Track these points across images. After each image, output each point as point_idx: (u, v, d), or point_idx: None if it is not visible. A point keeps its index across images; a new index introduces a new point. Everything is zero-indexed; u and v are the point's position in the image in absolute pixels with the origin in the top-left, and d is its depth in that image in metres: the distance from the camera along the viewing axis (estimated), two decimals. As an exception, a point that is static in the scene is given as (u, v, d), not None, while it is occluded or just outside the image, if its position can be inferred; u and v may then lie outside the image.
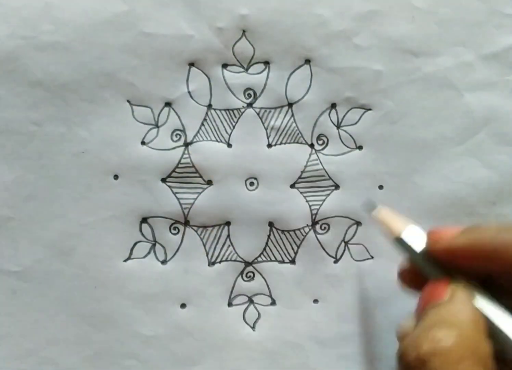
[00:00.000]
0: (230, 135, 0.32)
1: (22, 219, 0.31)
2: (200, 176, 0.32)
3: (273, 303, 0.32)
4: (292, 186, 0.32)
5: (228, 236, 0.32)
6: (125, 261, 0.32)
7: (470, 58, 0.32)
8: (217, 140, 0.32)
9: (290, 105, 0.32)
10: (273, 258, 0.32)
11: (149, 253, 0.32)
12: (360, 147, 0.32)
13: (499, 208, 0.33)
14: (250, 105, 0.32)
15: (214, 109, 0.32)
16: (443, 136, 0.32)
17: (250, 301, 0.32)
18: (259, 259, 0.32)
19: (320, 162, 0.32)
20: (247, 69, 0.32)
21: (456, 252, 0.25)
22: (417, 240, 0.26)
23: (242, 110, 0.32)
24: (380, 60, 0.32)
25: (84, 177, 0.31)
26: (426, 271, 0.26)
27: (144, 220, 0.32)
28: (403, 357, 0.22)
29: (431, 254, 0.25)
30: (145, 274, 0.32)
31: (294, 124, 0.32)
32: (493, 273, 0.24)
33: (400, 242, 0.26)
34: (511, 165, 0.32)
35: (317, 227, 0.32)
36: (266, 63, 0.32)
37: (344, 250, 0.32)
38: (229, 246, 0.32)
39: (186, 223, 0.32)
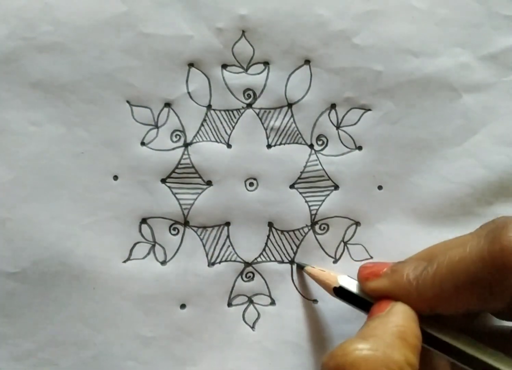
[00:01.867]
0: (229, 136, 0.32)
1: (20, 220, 0.31)
2: (200, 177, 0.32)
3: (273, 303, 0.32)
4: (292, 186, 0.32)
5: (228, 236, 0.32)
6: (124, 261, 0.31)
7: (469, 59, 0.32)
8: (216, 141, 0.32)
9: (289, 105, 0.32)
10: (272, 258, 0.32)
11: (148, 253, 0.32)
12: (359, 148, 0.32)
13: (497, 208, 0.33)
14: (249, 105, 0.32)
15: (214, 109, 0.32)
16: (441, 136, 0.32)
17: (250, 301, 0.32)
18: (259, 259, 0.32)
19: (320, 162, 0.32)
20: (246, 70, 0.32)
21: (384, 293, 0.26)
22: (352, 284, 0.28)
23: (242, 110, 0.32)
24: (379, 61, 0.32)
25: (83, 178, 0.31)
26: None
27: (144, 220, 0.32)
28: (323, 366, 0.22)
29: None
30: (144, 275, 0.31)
31: (293, 125, 0.32)
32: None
33: (339, 290, 0.29)
34: (509, 165, 0.33)
35: (317, 227, 0.32)
36: (266, 63, 0.32)
37: (343, 250, 0.32)
38: (228, 246, 0.32)
39: (186, 224, 0.32)
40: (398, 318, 0.24)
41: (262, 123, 0.32)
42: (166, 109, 0.32)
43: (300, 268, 0.32)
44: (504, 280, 0.23)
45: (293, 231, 0.32)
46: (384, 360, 0.21)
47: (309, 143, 0.32)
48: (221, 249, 0.32)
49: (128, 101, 0.31)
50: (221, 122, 0.32)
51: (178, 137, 0.32)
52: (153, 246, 0.32)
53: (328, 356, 0.22)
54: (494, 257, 0.23)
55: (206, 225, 0.32)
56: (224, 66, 0.32)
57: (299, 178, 0.32)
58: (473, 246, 0.24)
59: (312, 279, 0.31)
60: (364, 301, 0.28)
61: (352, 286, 0.28)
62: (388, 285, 0.26)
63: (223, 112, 0.32)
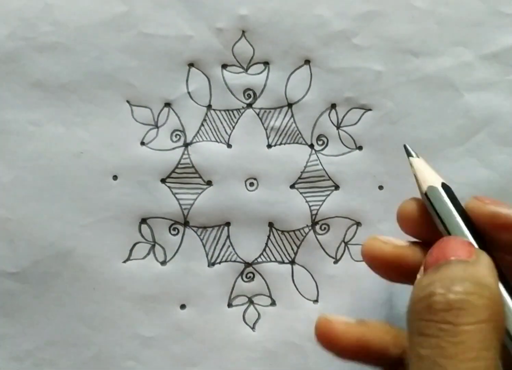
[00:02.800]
0: (229, 136, 0.32)
1: (20, 220, 0.31)
2: (200, 177, 0.32)
3: (273, 303, 0.32)
4: (292, 186, 0.32)
5: (228, 236, 0.32)
6: (124, 262, 0.32)
7: (470, 58, 0.32)
8: (216, 141, 0.32)
9: (290, 105, 0.32)
10: (273, 259, 0.32)
11: (148, 253, 0.32)
12: (360, 148, 0.32)
13: (499, 208, 0.33)
14: (249, 105, 0.32)
15: (214, 109, 0.32)
16: (443, 136, 0.32)
17: (250, 301, 0.32)
18: (259, 259, 0.32)
19: (320, 162, 0.32)
20: (246, 70, 0.32)
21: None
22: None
23: (242, 110, 0.32)
24: (380, 61, 0.32)
25: (83, 178, 0.31)
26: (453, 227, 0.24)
27: (144, 220, 0.32)
28: (431, 297, 0.21)
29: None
30: (144, 275, 0.31)
31: (294, 125, 0.32)
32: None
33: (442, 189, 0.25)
34: (511, 165, 0.32)
35: (317, 227, 0.32)
36: (266, 63, 0.32)
37: (344, 250, 0.32)
38: (229, 246, 0.32)
39: (186, 224, 0.32)
40: (493, 274, 0.22)
41: (262, 123, 0.32)
42: (166, 109, 0.32)
43: (408, 155, 0.27)
44: None
45: (294, 231, 0.32)
46: (498, 316, 0.21)
47: (309, 143, 0.32)
48: (221, 249, 0.32)
49: (128, 101, 0.31)
50: (221, 122, 0.32)
51: (178, 137, 0.32)
52: (153, 246, 0.32)
53: (445, 289, 0.20)
54: None
55: (206, 225, 0.32)
56: (224, 66, 0.32)
57: (299, 178, 0.32)
58: None
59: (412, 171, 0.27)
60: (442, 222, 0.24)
61: (441, 201, 0.25)
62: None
63: (223, 112, 0.32)
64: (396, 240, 0.26)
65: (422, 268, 0.23)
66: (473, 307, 0.20)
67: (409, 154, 0.27)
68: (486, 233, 0.24)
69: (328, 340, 0.25)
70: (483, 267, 0.22)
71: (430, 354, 0.20)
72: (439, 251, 0.23)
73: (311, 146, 0.32)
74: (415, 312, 0.21)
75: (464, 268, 0.22)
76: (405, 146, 0.27)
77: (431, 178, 0.26)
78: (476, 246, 0.23)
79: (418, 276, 0.23)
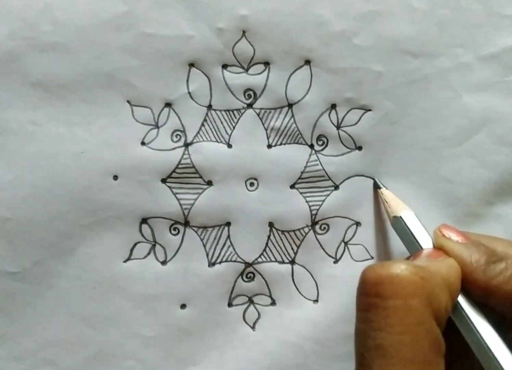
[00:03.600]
0: (230, 136, 0.32)
1: (20, 220, 0.31)
2: (200, 177, 0.32)
3: (273, 303, 0.32)
4: (292, 186, 0.32)
5: (228, 236, 0.32)
6: (125, 261, 0.32)
7: (469, 59, 0.32)
8: (217, 141, 0.32)
9: (290, 105, 0.32)
10: (273, 259, 0.32)
11: (149, 253, 0.32)
12: (359, 148, 0.32)
13: (498, 208, 0.33)
14: (250, 105, 0.32)
15: (214, 109, 0.32)
16: (442, 137, 0.32)
17: (250, 301, 0.32)
18: (259, 259, 0.32)
19: (320, 163, 0.32)
20: (247, 70, 0.32)
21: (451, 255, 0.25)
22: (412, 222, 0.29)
23: (242, 110, 0.32)
24: (380, 61, 0.32)
25: (83, 178, 0.31)
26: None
27: (144, 220, 0.32)
28: (364, 273, 0.22)
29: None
30: (145, 275, 0.31)
31: (294, 125, 0.32)
32: None
33: (397, 221, 0.29)
34: (509, 165, 0.33)
35: (317, 227, 0.32)
36: (266, 63, 0.32)
37: (344, 250, 0.32)
38: (229, 246, 0.32)
39: (186, 224, 0.32)
40: (452, 271, 0.23)
41: (263, 123, 0.32)
42: (166, 109, 0.32)
43: (377, 187, 0.32)
44: None
45: (294, 231, 0.32)
46: (431, 293, 0.21)
47: (309, 143, 0.32)
48: (221, 249, 0.32)
49: (128, 101, 0.31)
50: (222, 122, 0.32)
51: (178, 137, 0.32)
52: (154, 246, 0.32)
53: (379, 264, 0.22)
54: None
55: (206, 225, 0.32)
56: (225, 66, 0.32)
57: (299, 178, 0.32)
58: None
59: (381, 201, 0.31)
60: (412, 243, 0.28)
61: (412, 224, 0.29)
62: (459, 253, 0.25)
63: (223, 112, 0.32)
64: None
65: None
66: (402, 282, 0.21)
67: (378, 187, 0.32)
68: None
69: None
70: (442, 262, 0.24)
71: (363, 327, 0.21)
72: (415, 256, 0.25)
73: (311, 146, 0.32)
74: (357, 290, 0.22)
75: (424, 260, 0.24)
76: (374, 180, 0.32)
77: (397, 208, 0.29)
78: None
79: None
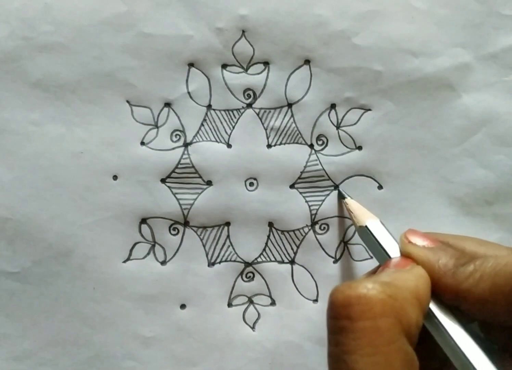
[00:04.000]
0: (229, 136, 0.32)
1: (20, 220, 0.31)
2: (200, 177, 0.32)
3: (273, 303, 0.32)
4: (292, 186, 0.32)
5: (228, 236, 0.32)
6: (124, 261, 0.32)
7: (469, 59, 0.32)
8: (216, 141, 0.32)
9: (289, 105, 0.32)
10: (272, 258, 0.32)
11: (148, 253, 0.32)
12: (359, 148, 0.32)
13: (497, 208, 0.33)
14: (249, 105, 0.32)
15: (214, 109, 0.32)
16: (441, 136, 0.32)
17: (250, 301, 0.32)
18: (259, 259, 0.32)
19: (320, 162, 0.32)
20: (246, 70, 0.32)
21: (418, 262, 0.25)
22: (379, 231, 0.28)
23: (242, 110, 0.32)
24: (379, 61, 0.32)
25: (83, 178, 0.31)
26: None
27: (144, 220, 0.32)
28: (332, 295, 0.22)
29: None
30: (144, 275, 0.31)
31: (293, 125, 0.32)
32: None
33: (364, 230, 0.28)
34: (508, 165, 0.32)
35: (317, 227, 0.32)
36: (266, 63, 0.32)
37: (343, 250, 0.32)
38: (228, 246, 0.32)
39: (186, 224, 0.32)
40: (419, 280, 0.23)
41: (262, 123, 0.32)
42: (166, 109, 0.32)
43: (342, 197, 0.32)
44: None
45: (293, 231, 0.32)
46: (399, 311, 0.21)
47: (309, 143, 0.32)
48: (221, 249, 0.32)
49: (128, 101, 0.31)
50: (221, 122, 0.32)
51: (178, 137, 0.32)
52: (153, 246, 0.32)
53: (346, 284, 0.22)
54: None
55: (206, 225, 0.32)
56: (224, 66, 0.32)
57: (299, 178, 0.32)
58: None
59: (347, 210, 0.31)
60: (380, 252, 0.27)
61: (378, 232, 0.28)
62: (426, 259, 0.24)
63: (223, 112, 0.32)
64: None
65: None
66: (370, 302, 0.21)
67: (343, 197, 0.31)
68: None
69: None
70: (409, 273, 0.23)
71: (335, 351, 0.21)
72: (383, 267, 0.25)
73: (311, 146, 0.32)
74: (326, 312, 0.22)
75: (391, 273, 0.23)
76: (338, 190, 0.32)
77: (362, 218, 0.29)
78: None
79: None
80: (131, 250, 0.32)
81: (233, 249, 0.32)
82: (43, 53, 0.31)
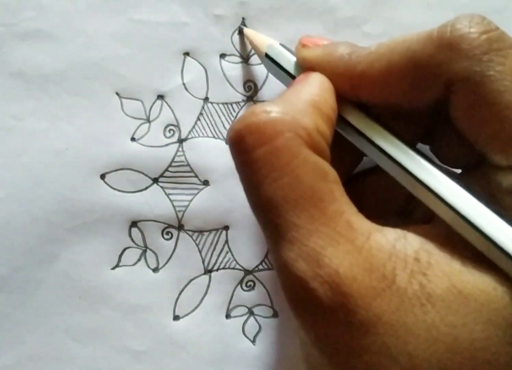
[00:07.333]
0: (228, 131, 0.31)
1: None
2: (196, 176, 0.31)
3: (275, 314, 0.31)
4: (296, 187, 0.31)
5: (226, 241, 0.31)
6: (112, 268, 0.31)
7: (489, 48, 0.31)
8: (214, 137, 0.31)
9: (293, 98, 0.31)
10: (275, 266, 0.31)
11: (139, 260, 0.31)
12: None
13: None
14: (250, 98, 0.31)
15: (211, 102, 0.31)
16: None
17: (250, 312, 0.31)
18: (260, 266, 0.31)
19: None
20: (247, 60, 0.31)
21: (314, 64, 0.25)
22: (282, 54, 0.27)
23: (242, 104, 0.31)
24: (392, 49, 0.31)
25: (67, 177, 0.30)
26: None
27: (134, 223, 0.31)
28: (227, 135, 0.22)
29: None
30: (135, 283, 0.31)
31: (298, 119, 0.31)
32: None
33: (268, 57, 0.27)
34: None
35: (323, 231, 0.31)
36: (268, 52, 0.31)
37: (352, 257, 0.31)
38: (227, 252, 0.31)
39: (180, 227, 0.31)
40: (314, 87, 0.23)
41: (264, 118, 0.31)
42: (158, 102, 0.31)
43: (241, 33, 0.30)
44: (442, 64, 0.22)
45: (297, 235, 0.31)
46: (292, 124, 0.21)
47: (314, 139, 0.31)
48: (218, 255, 0.31)
49: (117, 93, 0.30)
50: (219, 116, 0.31)
51: (171, 132, 0.31)
52: (144, 251, 0.31)
53: (236, 120, 0.22)
54: (441, 36, 0.22)
55: (202, 228, 0.31)
56: (223, 55, 0.31)
57: (303, 178, 0.31)
58: (423, 31, 0.23)
59: (248, 42, 0.30)
60: (286, 77, 0.26)
61: (282, 55, 0.27)
62: (321, 55, 0.24)
63: (221, 106, 0.31)
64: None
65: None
66: (259, 128, 0.21)
67: (240, 31, 0.30)
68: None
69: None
70: (302, 83, 0.24)
71: (246, 189, 0.22)
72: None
73: (317, 143, 0.31)
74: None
75: (285, 91, 0.23)
76: (239, 27, 0.30)
77: (263, 44, 0.28)
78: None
79: None
80: (120, 256, 0.31)
81: (232, 255, 0.31)
82: (25, 41, 0.30)
